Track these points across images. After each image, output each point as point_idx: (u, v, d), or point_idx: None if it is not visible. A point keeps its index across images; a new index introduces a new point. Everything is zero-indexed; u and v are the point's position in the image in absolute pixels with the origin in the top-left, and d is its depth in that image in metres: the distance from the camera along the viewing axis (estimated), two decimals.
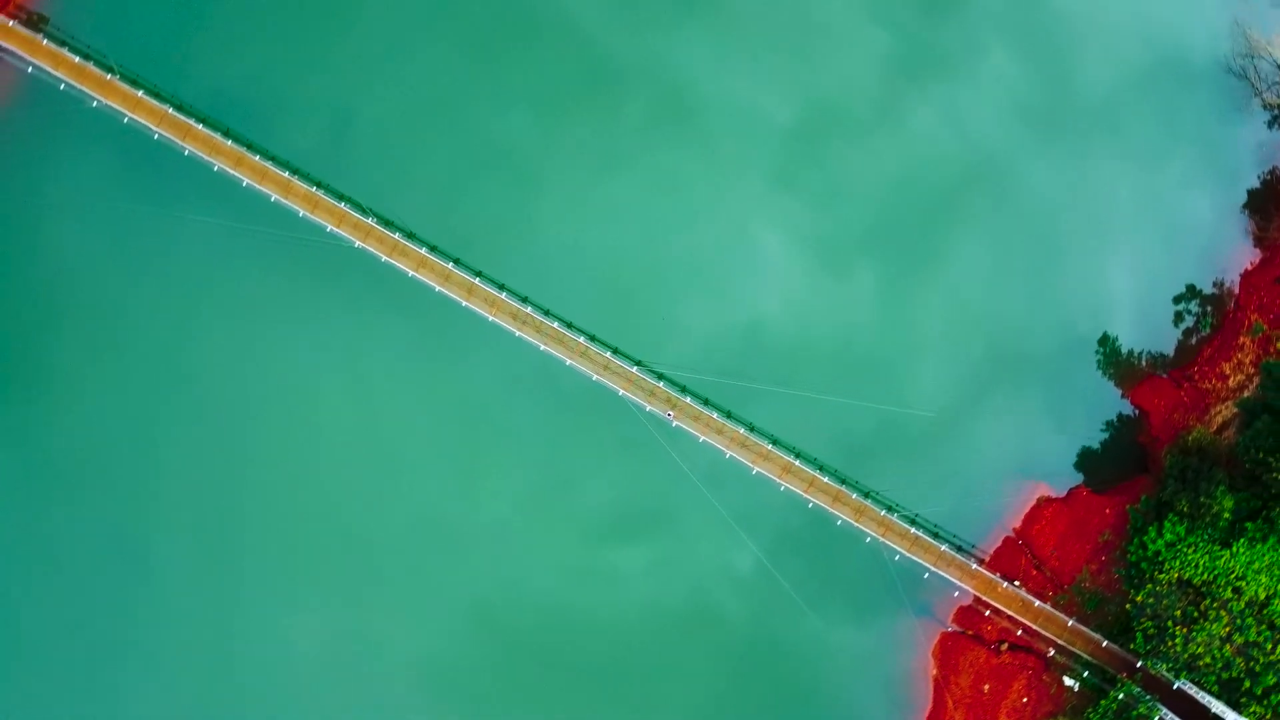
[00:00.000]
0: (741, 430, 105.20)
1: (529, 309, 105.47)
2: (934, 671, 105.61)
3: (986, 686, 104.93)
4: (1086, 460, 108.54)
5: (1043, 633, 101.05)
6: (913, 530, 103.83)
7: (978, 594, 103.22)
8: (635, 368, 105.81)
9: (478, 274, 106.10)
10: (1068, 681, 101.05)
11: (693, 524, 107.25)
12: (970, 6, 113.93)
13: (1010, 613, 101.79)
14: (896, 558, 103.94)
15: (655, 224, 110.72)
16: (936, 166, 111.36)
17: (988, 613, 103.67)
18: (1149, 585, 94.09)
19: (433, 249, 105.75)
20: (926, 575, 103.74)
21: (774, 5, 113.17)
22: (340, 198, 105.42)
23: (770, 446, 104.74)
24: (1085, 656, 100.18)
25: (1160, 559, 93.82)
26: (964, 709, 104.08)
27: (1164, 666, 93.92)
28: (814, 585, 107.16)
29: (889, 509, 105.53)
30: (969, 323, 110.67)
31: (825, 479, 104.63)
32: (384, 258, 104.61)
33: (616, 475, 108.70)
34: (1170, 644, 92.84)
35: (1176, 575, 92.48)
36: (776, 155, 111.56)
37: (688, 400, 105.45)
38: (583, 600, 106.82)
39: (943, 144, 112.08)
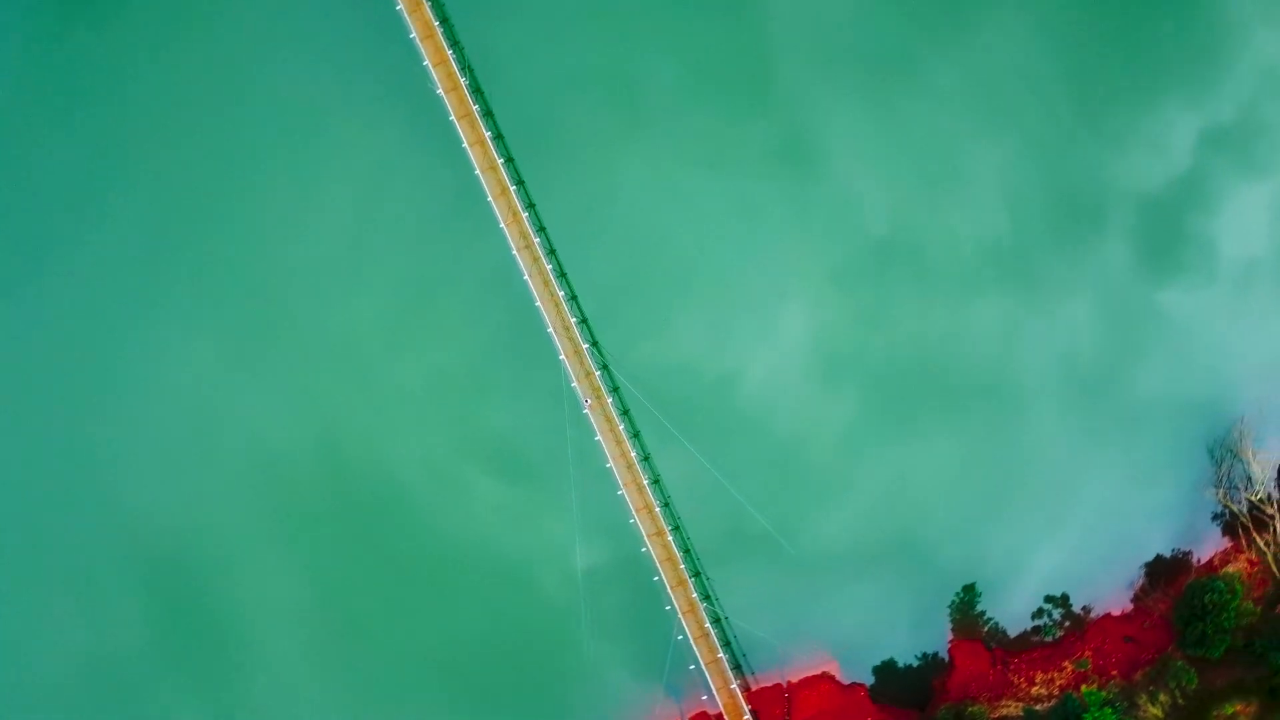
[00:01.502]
0: (634, 454, 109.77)
1: (538, 240, 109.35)
2: None
3: None
4: (885, 669, 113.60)
5: None
6: (708, 625, 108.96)
7: (722, 711, 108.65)
8: (589, 345, 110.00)
9: (520, 182, 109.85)
10: None
11: (553, 502, 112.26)
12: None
13: None
14: (680, 638, 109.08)
15: (706, 238, 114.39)
16: (966, 365, 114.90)
17: None
18: None
19: (498, 136, 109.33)
20: (693, 667, 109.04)
21: (940, 140, 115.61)
22: (454, 43, 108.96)
23: (645, 480, 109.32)
24: None
25: None
26: None
27: None
28: (608, 611, 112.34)
29: (706, 597, 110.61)
30: (895, 497, 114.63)
31: (670, 538, 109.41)
32: (452, 117, 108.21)
33: (521, 418, 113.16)
34: None
35: None
36: (852, 256, 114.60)
37: (609, 401, 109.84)
38: (424, 493, 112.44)
39: (981, 351, 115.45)
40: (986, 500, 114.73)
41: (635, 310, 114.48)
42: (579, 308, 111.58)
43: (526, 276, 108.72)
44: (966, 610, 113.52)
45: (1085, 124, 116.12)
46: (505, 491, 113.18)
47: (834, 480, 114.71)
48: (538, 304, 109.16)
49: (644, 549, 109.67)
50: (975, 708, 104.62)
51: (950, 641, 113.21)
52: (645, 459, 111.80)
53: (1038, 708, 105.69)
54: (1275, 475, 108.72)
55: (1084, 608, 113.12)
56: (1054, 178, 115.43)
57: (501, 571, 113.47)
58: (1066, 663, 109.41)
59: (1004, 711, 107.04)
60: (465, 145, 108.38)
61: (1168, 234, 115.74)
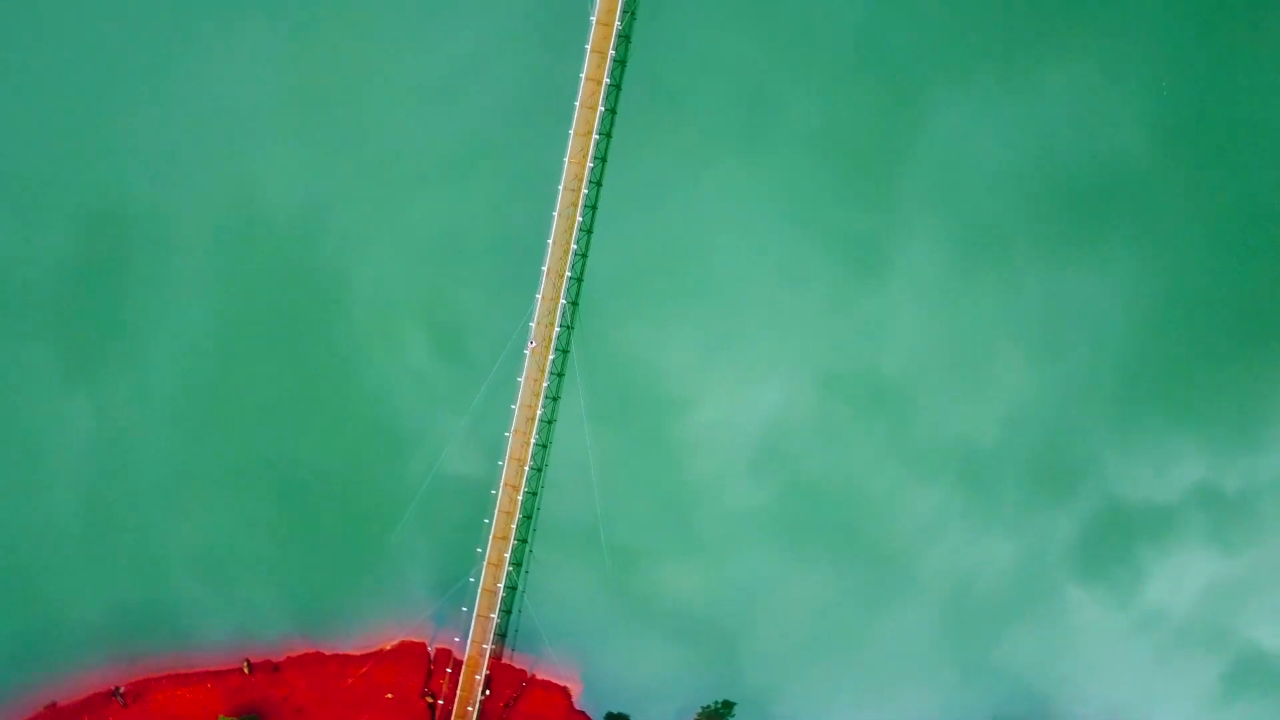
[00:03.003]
0: (539, 412, 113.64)
1: (586, 191, 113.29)
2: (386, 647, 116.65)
3: (389, 695, 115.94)
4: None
5: None
6: (501, 586, 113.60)
7: (465, 661, 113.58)
8: (567, 302, 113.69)
9: (607, 134, 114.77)
10: None
11: (457, 397, 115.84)
12: None
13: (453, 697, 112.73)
14: (473, 580, 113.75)
15: (737, 279, 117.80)
16: (873, 532, 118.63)
17: (447, 669, 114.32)
18: None
19: (616, 85, 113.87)
20: (465, 609, 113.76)
21: (983, 341, 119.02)
22: None
23: (534, 439, 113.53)
24: None
25: None
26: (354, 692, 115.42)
27: None
28: (439, 518, 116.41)
29: (516, 564, 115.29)
30: (739, 590, 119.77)
31: (520, 496, 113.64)
32: (589, 45, 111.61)
33: (478, 310, 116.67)
34: None
35: None
36: (849, 375, 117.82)
37: (550, 358, 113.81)
38: (357, 308, 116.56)
39: (894, 526, 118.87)
40: (820, 644, 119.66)
41: (634, 302, 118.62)
42: (582, 267, 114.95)
43: (555, 212, 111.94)
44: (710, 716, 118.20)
45: (1115, 412, 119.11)
46: (424, 354, 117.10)
47: (707, 544, 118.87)
48: (548, 240, 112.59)
49: (494, 491, 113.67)
50: None
51: None
52: (548, 422, 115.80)
53: None
54: None
55: None
56: (1058, 431, 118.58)
57: (376, 423, 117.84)
58: None
59: None
60: (583, 74, 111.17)
61: (1114, 544, 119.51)
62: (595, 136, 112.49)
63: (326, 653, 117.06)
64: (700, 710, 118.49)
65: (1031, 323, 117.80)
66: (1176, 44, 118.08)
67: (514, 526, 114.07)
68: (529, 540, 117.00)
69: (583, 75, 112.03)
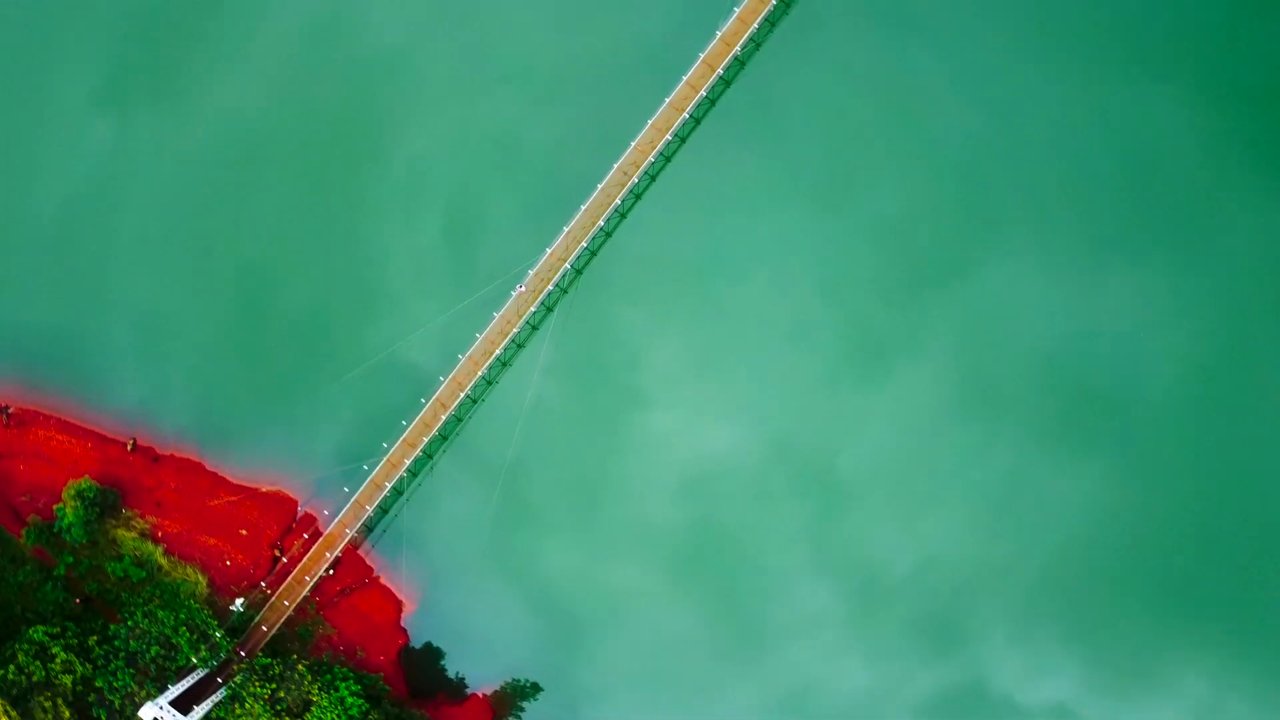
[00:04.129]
0: (498, 351, 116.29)
1: (651, 160, 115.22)
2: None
3: (243, 531, 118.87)
4: (428, 651, 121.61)
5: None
6: (388, 485, 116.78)
7: (324, 534, 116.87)
8: (571, 265, 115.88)
9: (696, 120, 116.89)
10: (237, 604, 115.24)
11: (444, 288, 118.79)
12: None
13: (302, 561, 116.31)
14: (366, 468, 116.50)
15: (764, 320, 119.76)
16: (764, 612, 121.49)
17: (305, 535, 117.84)
18: None
19: (727, 81, 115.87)
20: (346, 490, 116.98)
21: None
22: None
23: (482, 371, 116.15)
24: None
25: None
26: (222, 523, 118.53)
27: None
28: (373, 395, 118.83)
29: (413, 474, 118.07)
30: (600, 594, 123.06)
31: (444, 417, 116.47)
32: (719, 30, 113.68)
33: (503, 225, 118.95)
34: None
35: None
36: (813, 459, 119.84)
37: (531, 309, 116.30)
38: (397, 155, 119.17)
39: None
40: (653, 674, 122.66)
41: (635, 295, 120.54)
42: (601, 244, 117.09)
43: (600, 184, 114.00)
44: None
45: (1022, 604, 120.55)
46: (433, 241, 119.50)
47: (601, 540, 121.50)
48: (582, 205, 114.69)
49: (424, 400, 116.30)
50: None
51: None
52: (503, 363, 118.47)
53: None
54: None
55: None
56: (962, 594, 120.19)
57: (360, 277, 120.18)
58: None
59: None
60: (684, 77, 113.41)
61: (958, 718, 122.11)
62: (669, 136, 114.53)
63: (208, 467, 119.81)
64: (508, 681, 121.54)
65: (988, 490, 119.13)
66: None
67: (426, 440, 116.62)
68: (434, 458, 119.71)
69: (684, 78, 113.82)
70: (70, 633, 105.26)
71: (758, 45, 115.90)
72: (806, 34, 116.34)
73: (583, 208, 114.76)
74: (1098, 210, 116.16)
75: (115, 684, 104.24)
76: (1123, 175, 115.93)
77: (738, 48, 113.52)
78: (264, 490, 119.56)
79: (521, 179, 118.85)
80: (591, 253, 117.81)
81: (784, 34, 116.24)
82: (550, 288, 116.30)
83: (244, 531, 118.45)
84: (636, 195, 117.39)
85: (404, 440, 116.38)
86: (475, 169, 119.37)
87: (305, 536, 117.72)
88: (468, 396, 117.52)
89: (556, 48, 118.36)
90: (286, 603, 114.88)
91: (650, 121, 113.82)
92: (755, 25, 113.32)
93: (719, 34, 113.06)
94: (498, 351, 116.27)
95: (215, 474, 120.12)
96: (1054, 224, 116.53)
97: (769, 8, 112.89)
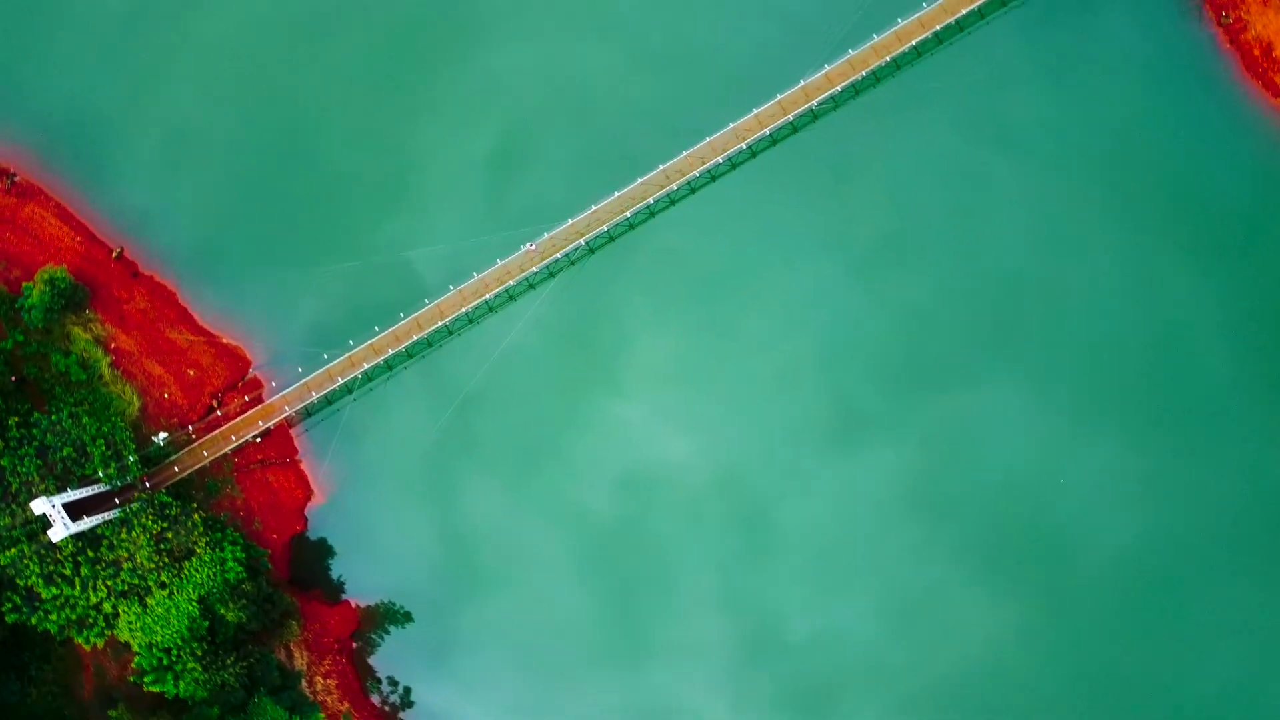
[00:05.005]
0: (487, 298, 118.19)
1: (713, 162, 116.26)
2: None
3: (191, 371, 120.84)
4: (320, 545, 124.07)
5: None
6: (340, 381, 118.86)
7: (265, 405, 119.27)
8: (589, 242, 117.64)
9: (773, 142, 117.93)
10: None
11: (478, 210, 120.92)
12: None
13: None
14: (326, 356, 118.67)
15: (768, 362, 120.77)
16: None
17: (246, 397, 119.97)
18: None
19: (814, 116, 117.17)
20: (300, 370, 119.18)
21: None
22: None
23: (453, 316, 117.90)
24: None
25: None
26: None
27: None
28: (357, 294, 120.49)
29: (367, 379, 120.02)
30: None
31: (406, 345, 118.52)
32: (825, 69, 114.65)
33: (545, 175, 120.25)
34: None
35: None
36: (760, 483, 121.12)
37: (534, 269, 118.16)
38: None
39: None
40: (528, 648, 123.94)
41: (647, 286, 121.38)
42: (633, 224, 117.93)
43: (662, 165, 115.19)
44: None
45: None
46: (476, 159, 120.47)
47: (533, 501, 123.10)
48: (629, 185, 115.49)
49: (402, 315, 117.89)
50: None
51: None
52: (490, 308, 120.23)
53: None
54: None
55: None
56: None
57: (393, 167, 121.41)
58: None
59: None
60: (778, 96, 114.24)
61: None
62: (720, 158, 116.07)
63: (180, 300, 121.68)
64: (384, 601, 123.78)
65: (906, 591, 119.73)
66: None
67: (391, 351, 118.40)
68: (393, 371, 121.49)
69: (755, 110, 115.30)
70: None
71: (836, 105, 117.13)
72: (887, 112, 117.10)
73: (616, 194, 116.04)
74: (1106, 377, 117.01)
75: (20, 469, 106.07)
76: (1144, 354, 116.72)
77: (815, 101, 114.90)
78: (224, 340, 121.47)
79: (579, 138, 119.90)
80: (610, 237, 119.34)
81: (866, 104, 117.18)
82: (559, 256, 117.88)
83: (191, 372, 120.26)
84: (671, 200, 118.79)
85: (370, 345, 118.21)
86: (540, 110, 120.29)
87: (246, 399, 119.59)
88: (445, 326, 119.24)
89: (669, 26, 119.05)
90: (206, 453, 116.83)
91: (709, 139, 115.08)
92: (839, 88, 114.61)
93: (802, 83, 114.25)
94: (489, 296, 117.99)
95: (185, 309, 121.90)
96: (1060, 374, 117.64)
97: (857, 76, 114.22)
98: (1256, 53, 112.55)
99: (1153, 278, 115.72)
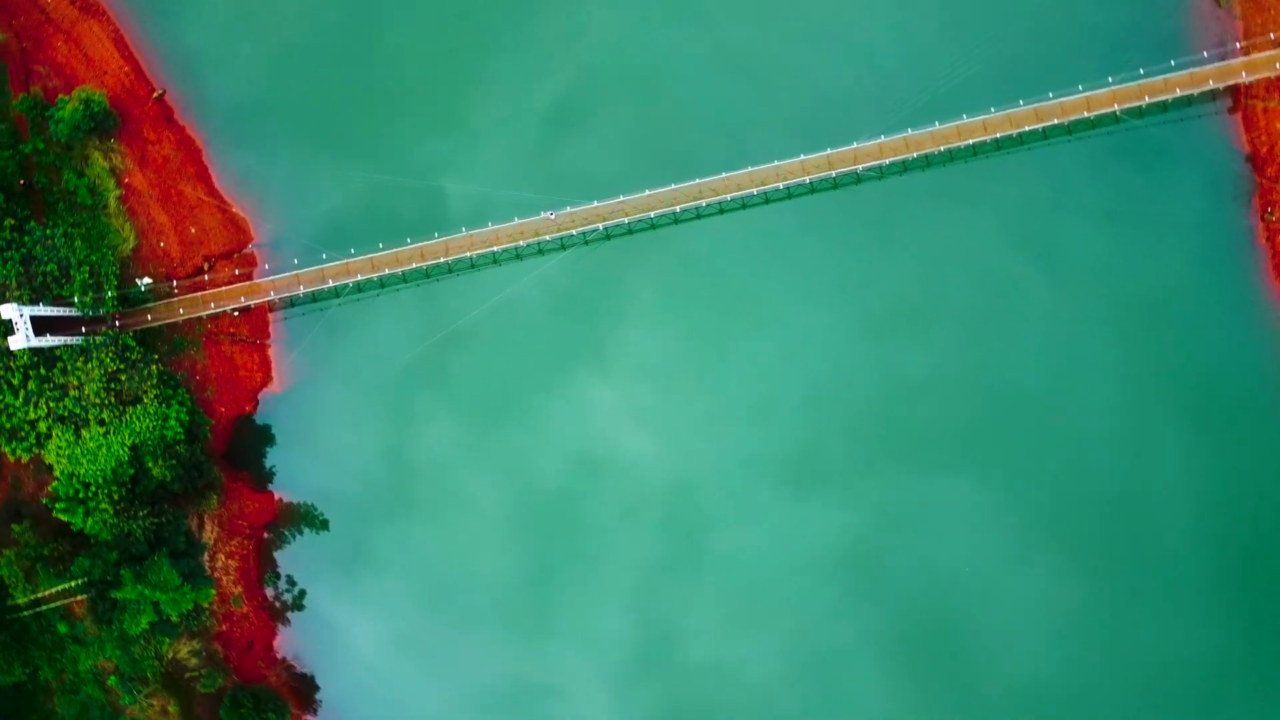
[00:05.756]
0: (497, 251, 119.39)
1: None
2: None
3: (193, 229, 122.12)
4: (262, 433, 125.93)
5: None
6: (331, 284, 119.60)
7: (251, 282, 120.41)
8: (604, 227, 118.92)
9: (878, 176, 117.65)
10: None
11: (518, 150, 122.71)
12: None
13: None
14: (325, 257, 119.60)
15: (746, 374, 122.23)
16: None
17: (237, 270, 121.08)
18: None
19: (927, 162, 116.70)
20: (296, 261, 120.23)
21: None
22: None
23: (467, 255, 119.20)
24: None
25: None
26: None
27: None
28: (393, 199, 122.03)
29: (359, 290, 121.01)
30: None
31: (401, 274, 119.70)
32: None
33: (598, 146, 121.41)
34: None
35: None
36: (707, 517, 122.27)
37: (546, 239, 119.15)
38: None
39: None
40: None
41: (654, 284, 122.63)
42: (655, 225, 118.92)
43: (699, 180, 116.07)
44: None
45: None
46: (539, 108, 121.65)
47: (490, 453, 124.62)
48: (684, 183, 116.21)
49: (409, 241, 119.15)
50: None
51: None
52: (494, 261, 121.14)
53: None
54: None
55: None
56: None
57: (448, 89, 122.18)
58: None
59: None
60: (830, 149, 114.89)
61: None
62: (755, 190, 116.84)
63: (204, 157, 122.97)
64: (308, 503, 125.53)
65: (803, 652, 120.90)
66: None
67: (386, 271, 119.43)
68: (384, 290, 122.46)
69: (827, 150, 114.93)
70: None
71: (880, 175, 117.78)
72: (933, 195, 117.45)
73: (646, 192, 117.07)
74: (1067, 509, 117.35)
75: (0, 270, 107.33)
76: (1109, 501, 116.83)
77: (861, 166, 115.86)
78: (232, 209, 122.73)
79: (634, 123, 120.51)
80: (630, 231, 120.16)
81: (912, 181, 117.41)
82: (574, 233, 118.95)
83: (193, 230, 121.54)
84: (698, 214, 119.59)
85: (370, 258, 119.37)
86: (609, 83, 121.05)
87: (236, 272, 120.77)
88: (446, 264, 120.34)
89: (757, 42, 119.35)
90: (182, 310, 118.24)
91: (750, 169, 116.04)
92: (888, 161, 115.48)
93: (855, 144, 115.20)
94: (496, 249, 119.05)
95: (205, 168, 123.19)
96: (1025, 491, 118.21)
97: (909, 155, 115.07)
98: None
99: (1142, 434, 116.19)
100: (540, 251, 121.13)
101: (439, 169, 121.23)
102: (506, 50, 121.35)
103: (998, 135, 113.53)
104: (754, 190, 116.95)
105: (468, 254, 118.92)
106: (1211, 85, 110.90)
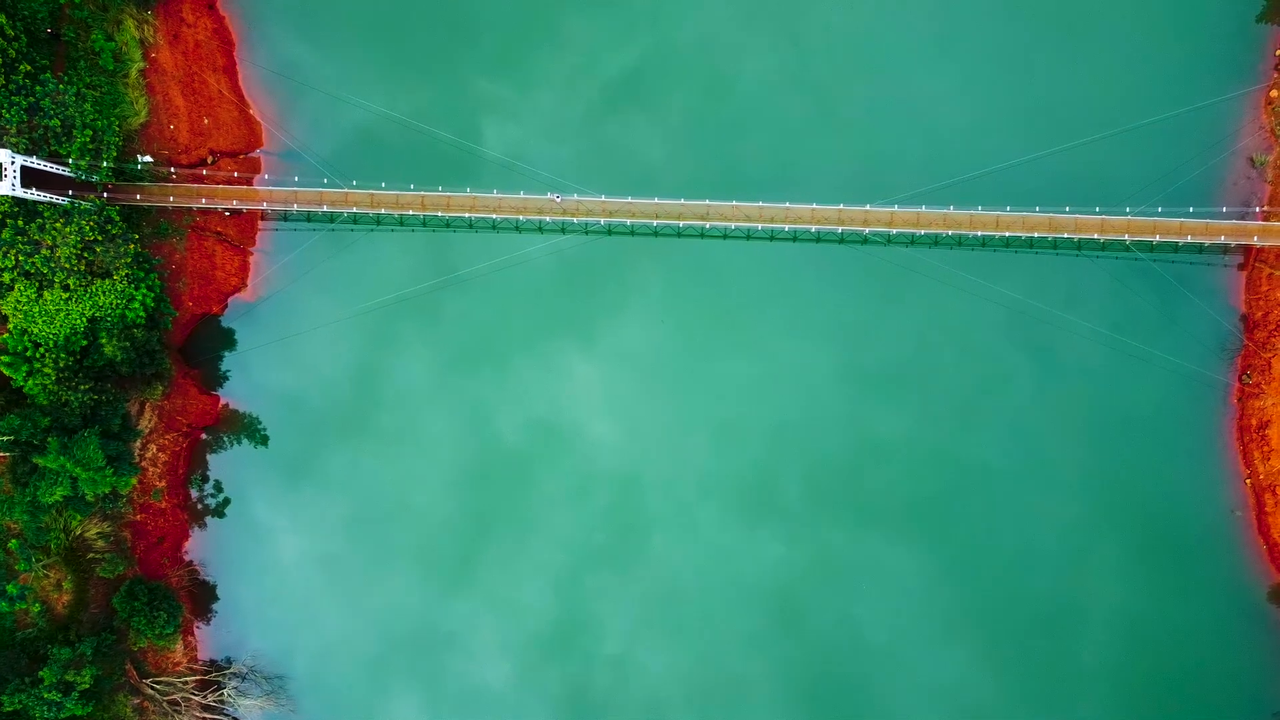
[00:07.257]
0: (496, 219, 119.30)
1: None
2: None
3: (206, 120, 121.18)
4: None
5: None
6: (325, 209, 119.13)
7: (252, 189, 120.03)
8: (606, 222, 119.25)
9: (909, 243, 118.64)
10: None
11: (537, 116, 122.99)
12: None
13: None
14: (325, 180, 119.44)
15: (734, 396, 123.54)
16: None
17: (235, 173, 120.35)
18: None
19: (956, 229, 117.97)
20: (297, 179, 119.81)
21: None
22: None
23: (466, 215, 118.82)
24: None
25: None
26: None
27: None
28: (406, 142, 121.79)
29: (353, 223, 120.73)
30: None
31: (398, 218, 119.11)
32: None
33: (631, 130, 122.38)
34: None
35: None
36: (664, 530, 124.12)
37: (549, 220, 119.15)
38: None
39: None
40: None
41: (654, 287, 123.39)
42: (656, 232, 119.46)
43: (708, 201, 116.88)
44: None
45: None
46: (590, 90, 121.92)
47: (454, 391, 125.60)
48: (681, 199, 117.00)
49: (412, 187, 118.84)
50: None
51: None
52: (492, 227, 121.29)
53: None
54: None
55: None
56: None
57: (501, 44, 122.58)
58: None
59: None
60: (842, 204, 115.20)
61: None
62: (760, 225, 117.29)
63: (236, 51, 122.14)
64: (252, 415, 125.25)
65: (710, 682, 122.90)
66: None
67: (383, 210, 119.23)
68: (377, 227, 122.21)
69: (814, 204, 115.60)
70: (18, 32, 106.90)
71: (887, 242, 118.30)
72: (951, 274, 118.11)
73: (655, 199, 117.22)
74: (997, 609, 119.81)
75: (4, 112, 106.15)
76: (1038, 621, 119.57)
77: (868, 229, 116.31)
78: (250, 111, 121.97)
79: (685, 122, 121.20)
80: (631, 231, 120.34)
81: (932, 252, 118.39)
82: (575, 221, 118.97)
83: (206, 121, 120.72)
84: (701, 234, 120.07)
85: (370, 194, 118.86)
86: (663, 77, 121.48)
87: (236, 174, 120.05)
88: (442, 218, 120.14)
89: (838, 76, 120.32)
90: (173, 199, 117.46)
91: (762, 203, 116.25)
92: (895, 231, 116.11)
93: (867, 207, 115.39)
94: (495, 218, 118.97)
95: (235, 63, 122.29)
96: (966, 577, 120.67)
97: (917, 231, 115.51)
98: (1253, 423, 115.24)
99: (1086, 549, 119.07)
100: (540, 230, 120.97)
101: (479, 113, 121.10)
102: (587, 11, 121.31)
103: (1006, 234, 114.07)
104: (759, 226, 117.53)
105: (467, 214, 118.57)
106: (1224, 240, 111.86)
